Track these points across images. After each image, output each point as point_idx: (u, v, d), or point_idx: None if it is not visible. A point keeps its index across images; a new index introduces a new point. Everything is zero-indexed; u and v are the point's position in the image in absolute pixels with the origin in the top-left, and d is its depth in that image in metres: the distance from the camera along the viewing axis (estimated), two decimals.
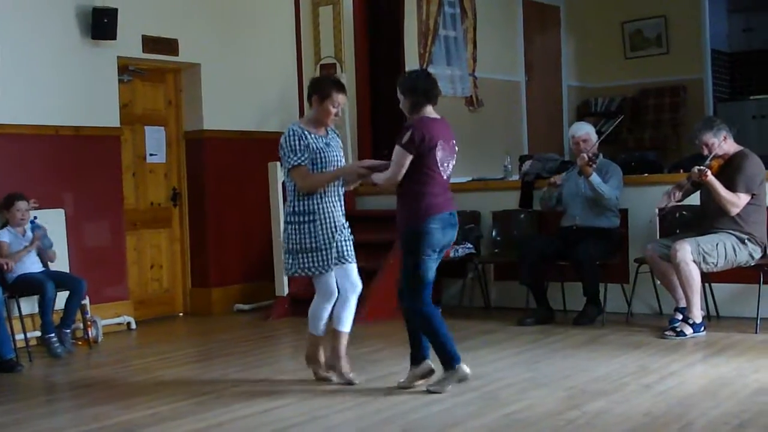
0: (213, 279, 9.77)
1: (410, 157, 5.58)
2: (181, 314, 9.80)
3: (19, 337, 7.47)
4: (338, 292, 6.05)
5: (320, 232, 5.85)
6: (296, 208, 5.90)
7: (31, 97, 8.24)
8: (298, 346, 6.62)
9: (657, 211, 8.07)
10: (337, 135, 6.19)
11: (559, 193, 8.37)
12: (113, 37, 8.67)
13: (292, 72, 10.47)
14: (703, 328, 7.38)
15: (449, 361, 5.68)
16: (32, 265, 7.76)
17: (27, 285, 7.61)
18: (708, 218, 7.50)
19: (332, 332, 6.09)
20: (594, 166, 8.01)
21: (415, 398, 5.62)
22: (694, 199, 7.74)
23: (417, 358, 5.86)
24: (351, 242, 6.06)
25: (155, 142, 9.64)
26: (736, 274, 7.63)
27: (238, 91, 9.84)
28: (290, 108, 10.39)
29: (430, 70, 11.41)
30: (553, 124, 13.68)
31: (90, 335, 8.04)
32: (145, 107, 9.58)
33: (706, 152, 7.44)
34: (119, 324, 8.81)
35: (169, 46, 9.38)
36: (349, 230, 6.08)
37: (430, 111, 5.76)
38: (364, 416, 5.28)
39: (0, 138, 8.04)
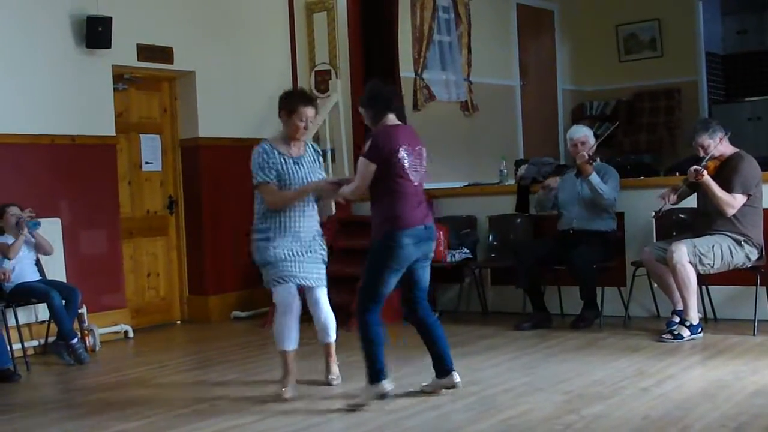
0: (210, 286, 9.77)
1: (374, 167, 5.54)
2: (178, 322, 9.80)
3: (17, 346, 7.46)
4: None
5: (272, 247, 5.86)
6: (257, 226, 5.96)
7: (26, 106, 8.24)
8: (307, 352, 6.61)
9: (653, 214, 8.07)
10: (316, 150, 6.18)
11: (555, 197, 8.38)
12: (108, 45, 8.67)
13: (287, 78, 10.47)
14: (700, 330, 7.38)
15: (375, 375, 5.58)
16: (30, 274, 7.75)
17: (28, 294, 7.61)
18: (704, 220, 7.50)
19: (323, 347, 6.29)
20: (593, 165, 8.02)
21: (412, 405, 5.61)
22: (691, 201, 7.74)
23: (442, 370, 5.83)
24: (320, 264, 6.05)
25: (151, 150, 9.64)
26: (732, 277, 7.64)
27: (233, 99, 9.84)
28: None
29: (425, 75, 11.47)
30: (548, 128, 13.69)
31: (87, 344, 8.03)
32: (140, 115, 9.59)
33: (702, 154, 7.45)
34: (116, 332, 8.80)
35: (163, 54, 9.38)
36: (324, 252, 6.08)
37: (392, 119, 5.71)
38: (360, 423, 5.27)
39: None
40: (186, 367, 7.56)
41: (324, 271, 6.10)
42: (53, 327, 7.81)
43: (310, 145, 6.15)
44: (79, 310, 7.92)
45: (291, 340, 5.98)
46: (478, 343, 7.68)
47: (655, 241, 8.06)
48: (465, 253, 9.20)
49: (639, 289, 8.15)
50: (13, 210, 7.64)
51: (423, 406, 5.58)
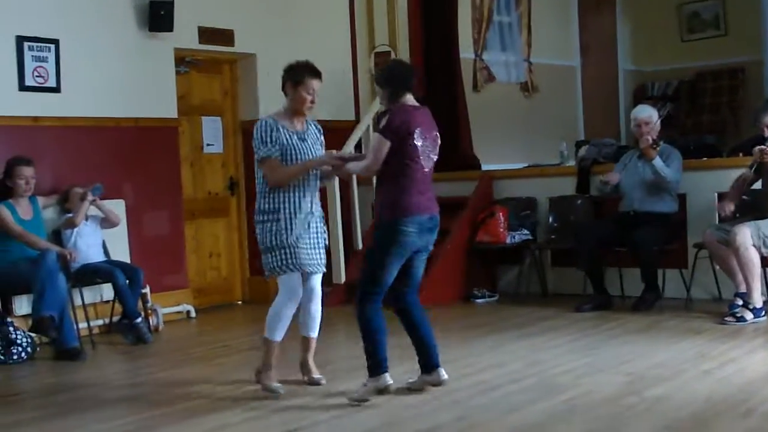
0: None
1: (388, 144, 5.24)
2: (239, 302, 9.90)
3: (82, 325, 7.59)
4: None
5: (283, 231, 5.52)
6: (262, 207, 5.60)
7: (91, 90, 8.36)
8: (354, 333, 6.63)
9: (718, 217, 7.93)
10: (318, 128, 5.87)
11: (615, 186, 8.30)
12: (170, 29, 8.76)
13: (347, 60, 10.50)
14: (763, 314, 7.31)
15: (376, 368, 5.31)
16: (96, 254, 7.89)
17: (93, 274, 7.76)
18: None
19: (301, 339, 5.91)
20: (657, 148, 7.95)
21: (473, 385, 5.63)
22: (756, 183, 7.64)
23: (427, 366, 5.55)
24: (322, 249, 5.73)
25: (212, 132, 9.73)
26: None
27: None
28: (345, 96, 10.45)
29: (485, 56, 11.43)
30: (609, 109, 13.59)
31: (151, 323, 8.14)
32: (201, 98, 9.67)
33: (767, 134, 7.35)
34: (179, 312, 8.92)
35: (224, 36, 9.46)
36: (325, 233, 5.77)
37: (409, 99, 5.42)
38: (421, 403, 5.29)
39: (63, 130, 8.18)
40: (248, 346, 7.63)
41: (325, 256, 5.79)
42: (117, 306, 7.95)
43: (312, 123, 5.84)
44: (143, 290, 8.03)
45: (283, 331, 5.67)
46: (538, 325, 7.67)
47: (717, 222, 7.97)
48: (525, 234, 9.19)
49: (701, 271, 8.08)
50: (77, 189, 7.77)
51: (484, 386, 5.59)
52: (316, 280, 5.78)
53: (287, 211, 5.55)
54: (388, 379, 5.31)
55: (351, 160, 5.63)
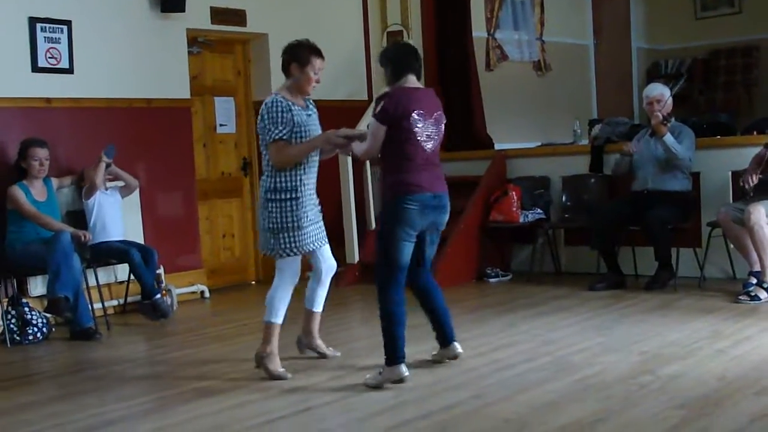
0: None
1: (384, 128, 5.25)
2: (253, 282, 9.93)
3: (97, 306, 7.62)
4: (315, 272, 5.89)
5: (302, 212, 5.52)
6: (278, 184, 5.51)
7: (104, 70, 8.37)
8: (368, 313, 6.66)
9: (745, 194, 7.89)
10: (314, 106, 5.82)
11: (630, 161, 8.29)
12: (182, 9, 8.76)
13: (359, 40, 10.49)
14: None
15: (393, 358, 5.28)
16: (115, 229, 7.95)
17: (107, 254, 7.80)
18: None
19: (306, 312, 5.97)
20: (668, 125, 7.93)
21: (487, 364, 5.65)
22: None
23: (444, 341, 5.71)
24: (321, 222, 5.74)
25: (225, 112, 9.74)
26: None
27: None
28: (358, 76, 10.44)
29: (497, 35, 11.40)
30: (622, 87, 13.55)
31: (167, 303, 8.17)
32: (214, 78, 9.68)
33: None
34: (193, 293, 8.96)
35: (237, 16, 9.45)
36: (320, 208, 5.75)
37: (412, 81, 5.39)
38: (435, 382, 5.31)
39: (76, 111, 8.20)
40: (262, 326, 7.66)
41: (323, 227, 5.79)
42: (132, 287, 7.98)
43: (308, 101, 5.78)
44: (157, 271, 8.06)
45: (284, 313, 5.68)
46: (552, 304, 7.68)
47: (731, 201, 7.95)
48: (538, 213, 9.19)
49: (714, 249, 8.07)
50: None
51: (498, 365, 5.61)
52: (329, 252, 5.85)
53: (305, 190, 5.56)
54: (404, 370, 5.27)
55: (355, 138, 5.59)
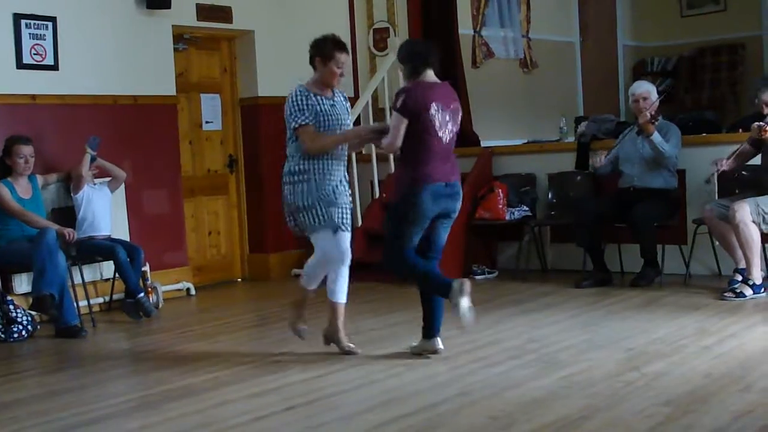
0: (270, 244, 9.85)
1: (406, 122, 5.53)
2: (239, 279, 9.91)
3: (82, 303, 7.60)
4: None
5: (314, 190, 5.72)
6: (292, 168, 5.80)
7: (90, 67, 8.34)
8: (354, 311, 6.65)
9: (706, 180, 7.95)
10: (343, 95, 6.06)
11: (615, 156, 8.30)
12: (168, 6, 8.73)
13: (346, 36, 10.42)
14: (763, 290, 7.32)
15: (427, 330, 5.78)
16: (104, 224, 7.94)
17: (93, 251, 7.77)
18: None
19: (329, 304, 6.02)
20: (656, 124, 7.94)
21: (474, 361, 5.64)
22: (755, 159, 7.64)
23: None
24: (349, 211, 5.92)
25: (211, 109, 9.72)
26: None
27: (292, 57, 9.82)
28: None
29: (484, 32, 11.41)
30: (608, 85, 13.57)
31: (151, 301, 8.15)
32: (200, 75, 9.66)
33: (766, 111, 7.34)
34: (179, 290, 8.94)
35: (223, 13, 9.43)
36: (350, 197, 5.96)
37: (430, 75, 5.69)
38: (421, 379, 5.31)
39: (61, 108, 8.17)
40: (248, 324, 7.67)
41: (350, 219, 5.96)
42: (117, 285, 7.96)
43: (339, 92, 6.02)
44: (143, 268, 8.04)
45: (317, 283, 6.05)
46: (538, 301, 7.69)
47: (717, 198, 7.97)
48: (524, 210, 9.19)
49: (700, 247, 8.09)
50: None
51: (484, 362, 5.61)
52: (346, 239, 5.93)
53: (317, 173, 5.75)
54: (438, 343, 5.75)
55: (384, 132, 5.78)
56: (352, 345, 6.02)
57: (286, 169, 5.85)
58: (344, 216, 5.84)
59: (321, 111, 5.77)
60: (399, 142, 5.59)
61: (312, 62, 5.92)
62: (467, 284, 5.48)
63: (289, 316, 6.26)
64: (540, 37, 12.19)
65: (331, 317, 6.03)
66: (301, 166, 5.76)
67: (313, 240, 5.88)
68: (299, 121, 5.73)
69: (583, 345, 5.98)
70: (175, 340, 6.94)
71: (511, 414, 4.55)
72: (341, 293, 5.99)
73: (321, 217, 5.76)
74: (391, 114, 5.88)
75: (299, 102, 5.75)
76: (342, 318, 6.01)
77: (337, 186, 5.82)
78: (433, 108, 5.55)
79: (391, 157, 9.43)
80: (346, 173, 5.96)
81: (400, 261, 5.65)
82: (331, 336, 6.06)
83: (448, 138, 5.65)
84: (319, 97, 5.80)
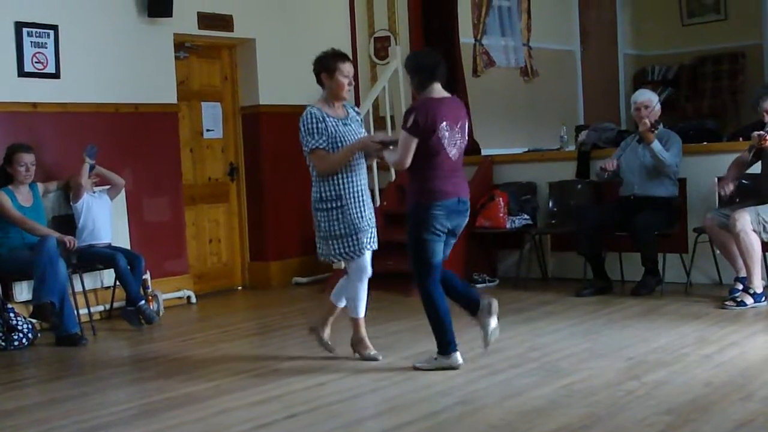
0: (271, 252, 9.86)
1: (416, 141, 5.50)
2: (240, 288, 9.91)
3: (83, 311, 7.60)
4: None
5: (349, 218, 5.77)
6: (323, 195, 5.81)
7: (91, 75, 8.35)
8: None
9: (718, 198, 7.95)
10: (357, 112, 6.09)
11: (613, 172, 8.28)
12: (169, 14, 8.75)
13: (347, 45, 10.47)
14: (764, 298, 7.32)
15: (446, 347, 5.66)
16: (105, 232, 7.95)
17: (94, 260, 7.79)
18: None
19: (351, 319, 6.10)
20: (655, 132, 7.94)
21: (474, 370, 5.64)
22: (755, 168, 7.64)
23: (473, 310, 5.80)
24: (375, 228, 5.97)
25: (212, 117, 9.73)
26: None
27: (293, 66, 9.85)
28: None
29: (484, 41, 11.41)
30: (609, 94, 13.57)
31: (152, 309, 8.14)
32: (201, 83, 9.67)
33: (767, 119, 7.34)
34: (179, 298, 8.94)
35: (224, 22, 9.44)
36: (373, 213, 5.98)
37: (437, 89, 5.64)
38: (422, 387, 5.31)
39: (62, 116, 8.18)
40: (249, 331, 7.66)
41: (375, 230, 6.01)
42: (118, 293, 7.96)
43: (350, 107, 6.06)
44: (143, 276, 8.04)
45: (363, 306, 6.04)
46: (539, 309, 7.69)
47: (717, 207, 7.97)
48: (525, 219, 9.19)
49: (701, 255, 8.09)
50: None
51: (484, 371, 5.60)
52: (369, 257, 5.99)
53: (351, 197, 5.80)
54: (458, 358, 5.66)
55: (390, 143, 5.80)
56: (374, 352, 6.06)
57: (314, 195, 5.87)
58: (371, 236, 5.90)
59: (334, 132, 5.78)
60: (408, 162, 5.57)
61: (319, 80, 5.93)
62: (495, 304, 5.60)
63: (312, 322, 6.33)
64: (541, 46, 12.20)
65: (354, 329, 6.11)
66: (329, 193, 5.79)
67: (349, 264, 5.93)
68: (311, 145, 5.76)
69: (584, 354, 5.98)
70: (175, 348, 6.94)
71: (511, 423, 4.56)
72: (360, 309, 6.05)
73: (356, 244, 5.81)
74: (389, 121, 5.86)
75: (311, 126, 5.76)
76: (363, 329, 6.11)
77: (365, 204, 5.86)
78: (443, 127, 5.53)
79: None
80: (367, 189, 5.96)
81: (423, 282, 5.64)
82: (354, 344, 6.13)
83: (456, 154, 5.65)
84: (332, 119, 5.81)
